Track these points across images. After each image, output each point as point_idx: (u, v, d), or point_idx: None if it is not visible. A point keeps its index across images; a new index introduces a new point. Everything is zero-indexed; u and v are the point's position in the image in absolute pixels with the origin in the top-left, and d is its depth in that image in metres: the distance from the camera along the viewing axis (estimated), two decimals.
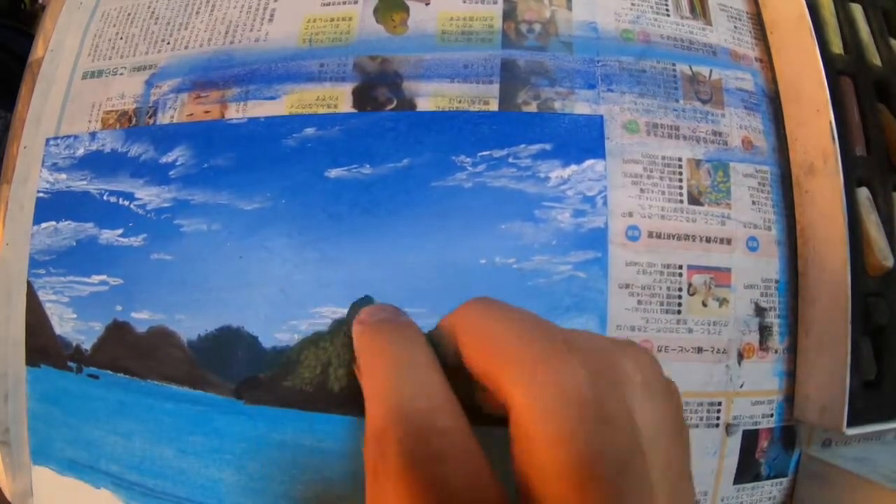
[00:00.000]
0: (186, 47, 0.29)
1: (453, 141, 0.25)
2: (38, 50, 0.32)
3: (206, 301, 0.25)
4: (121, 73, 0.30)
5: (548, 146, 0.25)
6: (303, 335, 0.24)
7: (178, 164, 0.27)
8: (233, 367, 0.25)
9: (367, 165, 0.25)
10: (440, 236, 0.24)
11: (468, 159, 0.25)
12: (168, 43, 0.29)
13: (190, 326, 0.25)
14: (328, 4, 0.28)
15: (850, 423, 0.23)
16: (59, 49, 0.31)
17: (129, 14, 0.31)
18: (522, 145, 0.25)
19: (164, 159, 0.27)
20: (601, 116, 0.25)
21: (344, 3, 0.28)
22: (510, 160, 0.24)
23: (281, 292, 0.24)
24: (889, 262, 0.24)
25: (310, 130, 0.26)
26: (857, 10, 0.28)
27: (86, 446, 0.27)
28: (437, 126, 0.25)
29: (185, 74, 0.28)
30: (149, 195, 0.27)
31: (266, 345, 0.24)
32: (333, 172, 0.25)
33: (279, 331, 0.24)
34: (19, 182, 0.30)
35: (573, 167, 0.24)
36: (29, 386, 0.28)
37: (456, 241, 0.24)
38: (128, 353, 0.26)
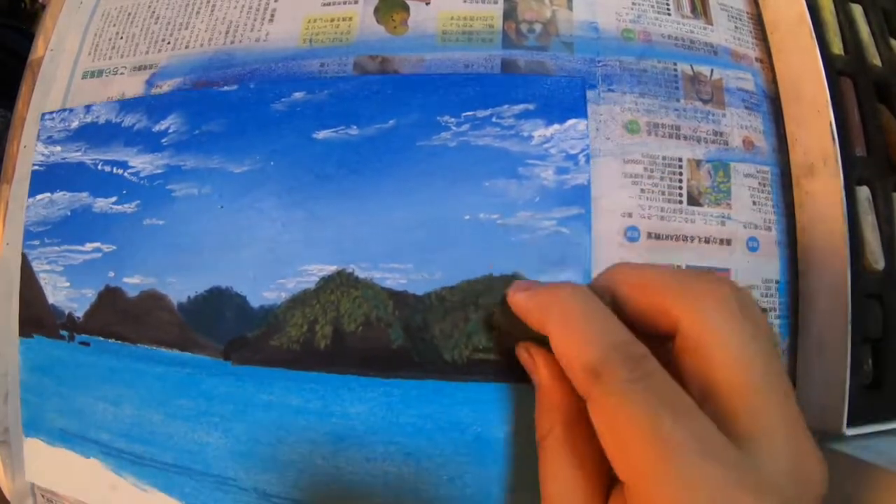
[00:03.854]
0: (187, 47, 0.29)
1: (438, 102, 0.25)
2: (38, 49, 0.32)
3: (196, 263, 0.26)
4: (121, 73, 0.30)
5: (531, 106, 0.25)
6: (290, 293, 0.24)
7: (170, 131, 0.27)
8: (221, 327, 0.25)
9: (354, 126, 0.25)
10: (426, 194, 0.24)
11: (452, 119, 0.25)
12: (168, 42, 0.29)
13: (180, 289, 0.26)
14: (328, 4, 0.28)
15: (850, 424, 0.23)
16: (59, 48, 0.31)
17: (129, 14, 0.31)
18: (506, 105, 0.25)
19: (157, 127, 0.27)
20: (582, 79, 0.26)
21: (344, 3, 0.28)
22: (494, 120, 0.25)
23: (269, 252, 0.25)
24: (879, 266, 0.24)
25: (298, 94, 0.26)
26: (857, 11, 0.28)
27: (76, 415, 0.27)
28: (422, 88, 0.25)
29: (186, 74, 0.28)
30: (142, 163, 0.27)
31: (254, 304, 0.25)
32: (321, 134, 0.25)
33: (267, 289, 0.25)
34: (19, 181, 0.30)
35: (556, 126, 0.25)
36: (21, 357, 0.28)
37: (441, 198, 0.24)
38: (119, 318, 0.26)
